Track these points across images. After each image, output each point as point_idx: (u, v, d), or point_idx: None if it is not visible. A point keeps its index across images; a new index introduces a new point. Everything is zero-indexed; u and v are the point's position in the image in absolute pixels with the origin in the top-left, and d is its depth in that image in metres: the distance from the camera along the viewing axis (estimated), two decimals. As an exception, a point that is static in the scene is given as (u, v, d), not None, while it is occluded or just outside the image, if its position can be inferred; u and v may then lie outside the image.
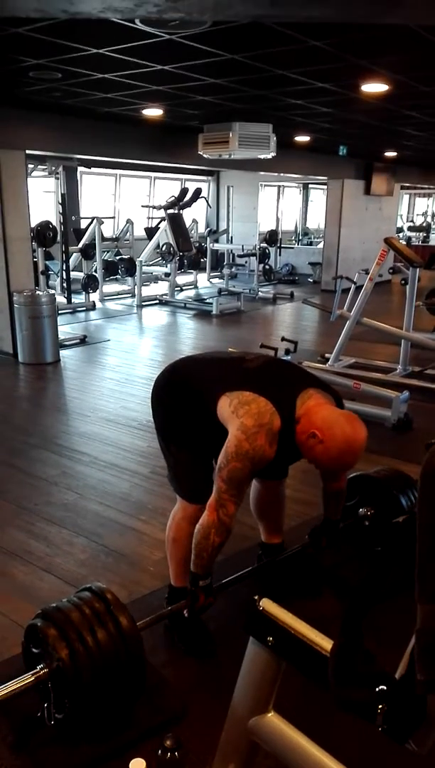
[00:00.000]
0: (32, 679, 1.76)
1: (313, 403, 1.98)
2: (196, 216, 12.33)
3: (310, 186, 15.33)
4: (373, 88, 4.88)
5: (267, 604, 1.28)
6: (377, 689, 0.98)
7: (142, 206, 11.10)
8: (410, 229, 17.49)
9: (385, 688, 0.98)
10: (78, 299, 9.23)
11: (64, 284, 9.00)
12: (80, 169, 10.51)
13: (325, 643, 1.14)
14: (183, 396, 2.21)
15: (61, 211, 8.78)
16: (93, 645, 1.74)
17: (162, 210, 9.73)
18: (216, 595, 2.12)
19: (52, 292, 6.91)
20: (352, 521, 2.73)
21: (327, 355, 5.96)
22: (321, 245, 12.30)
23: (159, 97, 5.44)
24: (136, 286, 9.90)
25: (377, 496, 2.72)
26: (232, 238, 12.35)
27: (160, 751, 1.48)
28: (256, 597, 1.28)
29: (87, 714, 1.76)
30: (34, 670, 1.78)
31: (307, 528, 2.63)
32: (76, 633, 1.75)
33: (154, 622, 2.11)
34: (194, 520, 2.19)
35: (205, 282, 11.83)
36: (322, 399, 2.02)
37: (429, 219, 19.11)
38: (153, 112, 6.24)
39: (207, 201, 12.37)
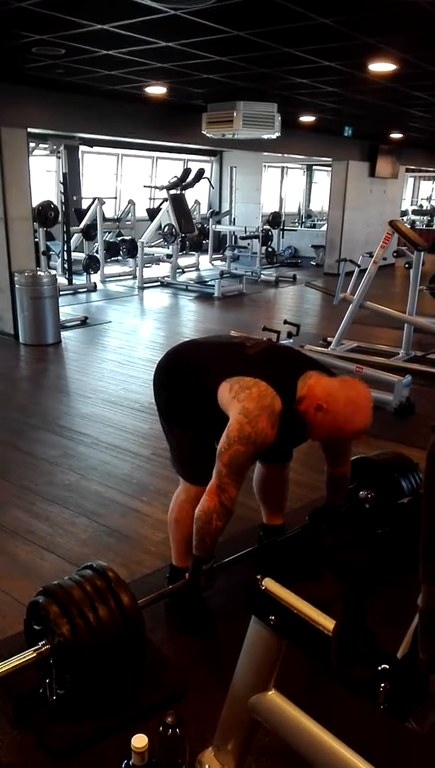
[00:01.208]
0: (34, 655, 1.78)
1: (313, 381, 2.00)
2: (198, 197, 12.23)
3: (314, 167, 15.18)
4: (380, 67, 4.81)
5: (269, 584, 1.28)
6: (379, 668, 0.99)
7: (144, 186, 11.00)
8: (415, 212, 17.35)
9: (387, 667, 0.99)
10: (79, 280, 9.18)
11: (66, 265, 8.95)
12: (82, 148, 10.40)
13: (328, 623, 1.15)
14: (184, 380, 2.21)
15: (62, 191, 8.70)
16: (94, 621, 1.75)
17: (164, 190, 9.65)
18: (217, 578, 2.14)
19: (54, 272, 6.88)
20: (353, 504, 2.74)
21: (329, 338, 5.94)
22: (324, 228, 12.20)
23: (163, 74, 5.36)
24: (137, 268, 9.84)
25: (378, 478, 2.73)
26: (234, 219, 12.25)
27: (161, 728, 1.50)
28: (258, 576, 1.29)
29: (88, 689, 1.78)
30: (36, 647, 1.80)
31: (308, 510, 2.64)
32: (78, 609, 1.76)
33: (155, 600, 2.13)
34: (196, 501, 2.20)
35: (207, 264, 11.77)
36: (321, 377, 2.04)
37: (434, 202, 18.94)
38: (156, 90, 6.16)
39: (210, 182, 12.25)
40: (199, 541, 2.01)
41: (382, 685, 0.97)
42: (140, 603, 1.93)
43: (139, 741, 1.42)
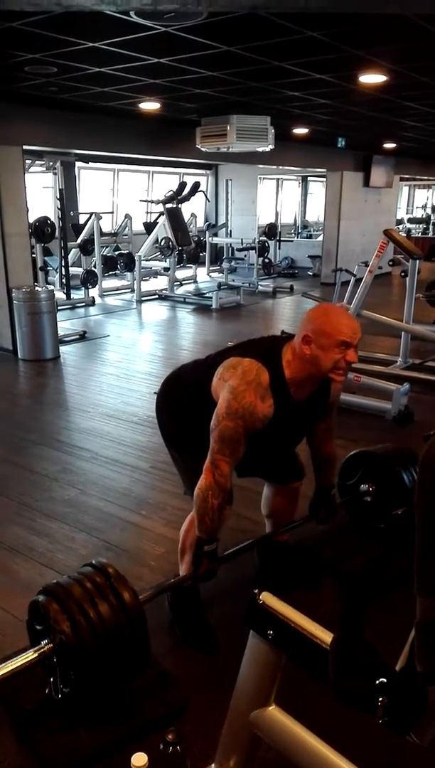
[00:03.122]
0: (36, 655, 1.75)
1: (293, 343, 1.99)
2: (194, 210, 12.29)
3: (309, 178, 15.27)
4: (371, 78, 4.85)
5: (267, 598, 1.27)
6: (377, 682, 0.98)
7: (141, 201, 11.07)
8: (410, 220, 17.43)
9: (385, 680, 0.98)
10: (77, 295, 9.21)
11: (63, 280, 8.98)
12: (78, 164, 10.47)
13: (325, 636, 1.14)
14: (185, 396, 2.23)
15: (59, 207, 8.75)
16: (95, 617, 1.72)
17: (160, 204, 9.70)
18: (220, 562, 2.13)
19: (51, 288, 6.90)
20: (353, 497, 2.71)
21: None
22: (320, 238, 12.26)
23: (156, 90, 5.41)
24: (135, 281, 9.87)
25: (379, 472, 2.70)
26: (231, 231, 12.31)
27: (162, 745, 1.48)
28: (256, 591, 1.28)
29: (93, 686, 1.75)
30: (38, 646, 1.77)
31: (309, 523, 2.63)
32: (78, 605, 1.73)
33: (156, 594, 2.10)
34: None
35: (204, 276, 11.81)
36: None
37: (429, 211, 19.03)
38: (150, 105, 6.21)
39: (205, 195, 12.33)
40: (199, 521, 2.02)
41: (380, 699, 0.96)
42: (141, 598, 1.91)
43: (139, 760, 1.41)
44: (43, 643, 1.77)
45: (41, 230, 7.38)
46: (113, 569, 1.88)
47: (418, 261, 5.77)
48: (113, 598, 1.78)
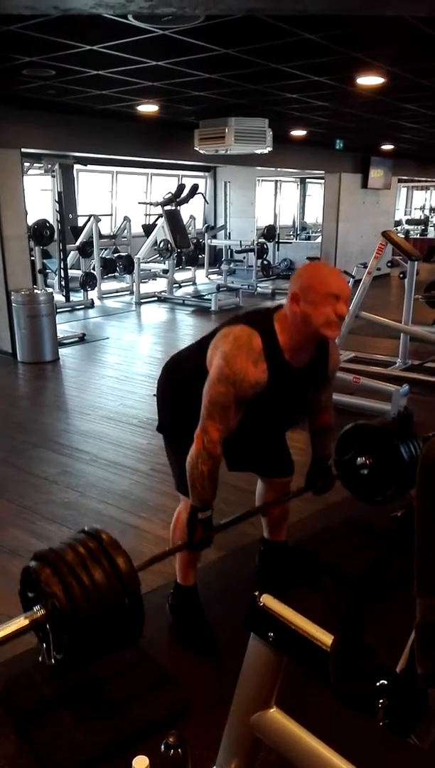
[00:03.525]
0: (27, 622, 1.68)
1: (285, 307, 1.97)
2: (193, 212, 12.30)
3: (307, 180, 15.29)
4: (369, 80, 4.86)
5: (267, 600, 1.27)
6: (378, 684, 0.98)
7: (139, 203, 11.08)
8: (408, 222, 17.45)
9: (385, 682, 0.98)
10: (76, 297, 9.21)
11: (62, 282, 8.99)
12: (76, 166, 10.48)
13: (326, 638, 1.14)
14: (182, 379, 2.19)
15: (58, 209, 8.76)
16: (88, 581, 1.67)
17: (159, 207, 9.71)
18: (215, 531, 2.10)
19: (50, 290, 6.90)
20: (350, 470, 2.68)
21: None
22: (319, 239, 12.27)
23: (154, 93, 5.42)
24: (134, 284, 9.88)
25: (376, 445, 2.66)
26: (229, 233, 12.32)
27: (163, 748, 1.48)
28: (256, 593, 1.28)
29: (86, 651, 1.69)
30: (30, 612, 1.70)
31: (309, 523, 2.63)
32: (70, 570, 1.68)
33: (151, 562, 2.06)
34: None
35: (203, 278, 11.81)
36: None
37: (427, 212, 19.06)
38: (148, 108, 6.22)
39: (204, 197, 12.34)
40: (191, 488, 2.01)
41: (381, 701, 0.96)
42: (137, 566, 1.84)
43: (140, 763, 1.41)
44: (35, 609, 1.69)
45: (40, 233, 7.38)
46: (106, 535, 1.83)
47: (416, 262, 5.77)
48: (106, 563, 1.71)
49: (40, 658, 1.73)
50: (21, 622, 1.68)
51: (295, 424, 2.31)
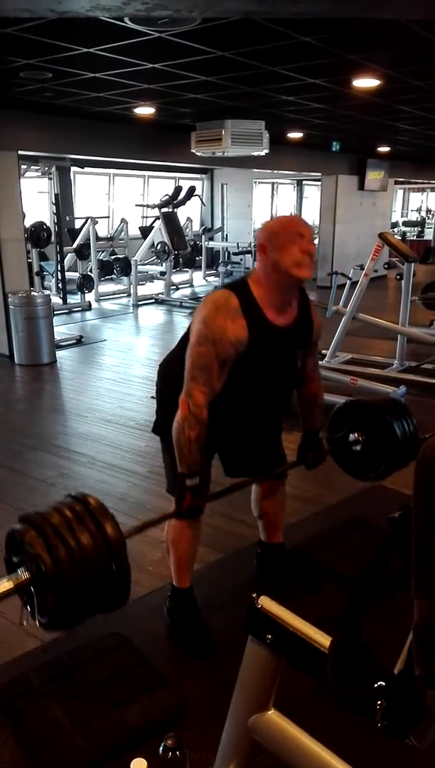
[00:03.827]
0: (11, 585, 1.63)
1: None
2: (190, 214, 12.31)
3: (304, 182, 15.31)
4: (365, 83, 4.87)
5: (265, 602, 1.27)
6: (376, 685, 0.98)
7: (136, 205, 11.08)
8: (405, 224, 17.49)
9: (383, 684, 0.98)
10: (73, 299, 9.21)
11: (60, 285, 8.98)
12: (73, 169, 10.49)
13: (324, 640, 1.14)
14: (177, 377, 2.13)
15: (54, 212, 8.76)
16: (74, 543, 1.63)
17: (156, 209, 9.72)
18: (205, 499, 2.07)
19: (48, 292, 6.90)
20: (343, 446, 2.62)
21: (323, 351, 5.95)
22: (316, 241, 12.28)
23: (150, 95, 5.42)
24: (131, 286, 9.88)
25: (369, 421, 2.61)
26: (226, 235, 12.33)
27: (161, 751, 1.48)
28: (254, 595, 1.28)
29: (71, 614, 1.65)
30: (14, 575, 1.65)
31: (308, 525, 2.63)
32: (55, 531, 1.64)
33: (140, 530, 2.02)
34: (191, 521, 2.18)
35: (200, 280, 11.82)
36: None
37: (423, 214, 19.11)
38: (145, 110, 6.22)
39: (201, 199, 12.36)
40: (178, 454, 2.00)
41: (379, 702, 0.96)
42: (125, 532, 1.78)
43: (139, 766, 1.40)
44: (19, 571, 1.65)
45: (37, 235, 7.39)
46: (94, 499, 1.81)
47: (413, 264, 5.79)
48: (93, 527, 1.67)
49: (24, 622, 1.68)
50: (5, 584, 1.63)
51: (287, 401, 2.29)
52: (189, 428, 1.95)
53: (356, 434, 2.59)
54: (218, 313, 1.92)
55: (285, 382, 2.22)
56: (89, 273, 9.75)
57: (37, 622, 1.65)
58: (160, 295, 10.04)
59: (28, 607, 1.66)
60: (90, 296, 9.54)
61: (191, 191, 9.88)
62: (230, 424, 2.10)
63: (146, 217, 11.08)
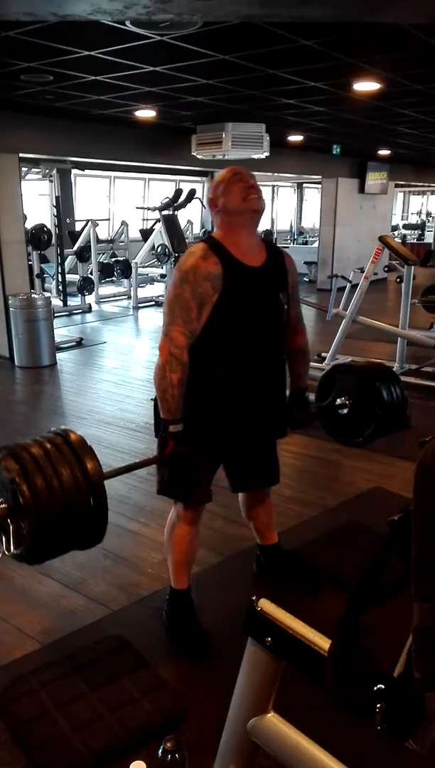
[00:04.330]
0: None
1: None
2: (190, 217, 12.33)
3: (304, 185, 15.34)
4: (366, 86, 4.88)
5: (265, 605, 1.27)
6: (375, 688, 0.98)
7: (137, 208, 11.09)
8: (405, 227, 17.51)
9: (383, 686, 0.98)
10: (74, 302, 9.22)
11: (60, 287, 8.99)
12: (74, 171, 10.50)
13: (323, 643, 1.14)
14: None
15: (55, 214, 8.77)
16: (52, 473, 1.62)
17: (157, 211, 9.73)
18: (188, 446, 2.05)
19: (48, 295, 6.91)
20: (329, 409, 2.54)
21: (324, 354, 5.96)
22: (316, 244, 12.30)
23: (151, 98, 5.43)
24: (131, 288, 9.89)
25: (356, 385, 2.53)
26: (227, 238, 12.31)
27: (160, 753, 1.47)
28: (253, 597, 1.28)
29: (46, 546, 1.66)
30: None
31: (305, 528, 2.63)
32: (34, 461, 1.63)
33: (121, 472, 2.03)
34: (191, 522, 2.20)
35: (200, 283, 11.81)
36: None
37: (423, 217, 19.13)
38: (146, 113, 6.24)
39: (201, 202, 12.36)
40: (161, 400, 2.02)
41: (378, 705, 0.96)
42: (106, 472, 1.81)
43: (138, 768, 1.40)
44: None
45: (38, 237, 7.39)
46: (75, 435, 1.77)
47: (413, 267, 5.79)
48: (73, 460, 1.67)
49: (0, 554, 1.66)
50: None
51: (280, 358, 2.26)
52: (171, 371, 1.98)
53: (343, 398, 2.52)
54: (190, 257, 2.01)
55: (274, 330, 2.18)
56: (90, 275, 9.76)
57: (10, 554, 1.62)
58: (160, 298, 10.03)
59: (3, 537, 1.64)
60: (90, 298, 9.54)
61: (192, 194, 9.89)
62: (229, 389, 2.08)
63: (147, 219, 11.09)
